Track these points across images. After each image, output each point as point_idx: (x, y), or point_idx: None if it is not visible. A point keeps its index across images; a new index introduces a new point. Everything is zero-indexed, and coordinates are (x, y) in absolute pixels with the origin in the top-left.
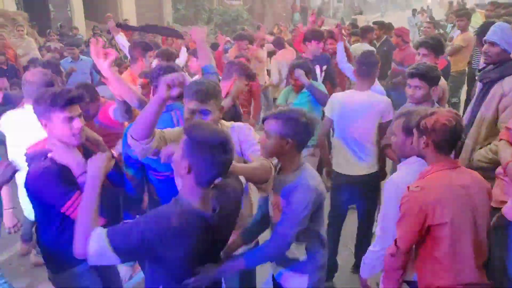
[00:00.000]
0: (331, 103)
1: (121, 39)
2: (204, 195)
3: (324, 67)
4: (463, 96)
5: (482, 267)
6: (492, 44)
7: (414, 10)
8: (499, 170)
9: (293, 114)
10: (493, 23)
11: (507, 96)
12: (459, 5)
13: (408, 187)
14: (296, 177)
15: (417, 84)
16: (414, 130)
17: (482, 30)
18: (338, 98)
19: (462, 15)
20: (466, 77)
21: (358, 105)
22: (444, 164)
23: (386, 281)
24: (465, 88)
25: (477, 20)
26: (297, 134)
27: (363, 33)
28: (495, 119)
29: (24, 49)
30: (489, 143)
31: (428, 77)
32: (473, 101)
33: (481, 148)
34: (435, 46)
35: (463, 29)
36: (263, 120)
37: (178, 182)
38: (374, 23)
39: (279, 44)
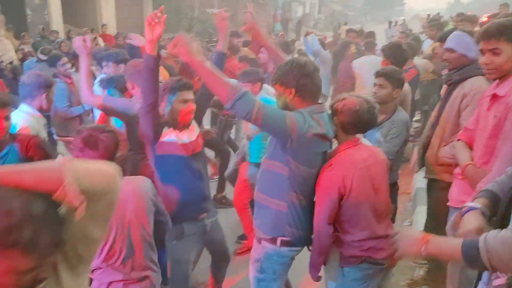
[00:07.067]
0: None
1: None
2: None
3: None
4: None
5: (386, 222)
6: (451, 50)
7: (389, 23)
8: (457, 170)
9: None
10: (452, 31)
11: (468, 96)
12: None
13: (323, 169)
14: None
15: (382, 83)
16: None
17: (442, 39)
18: None
19: (433, 25)
20: (436, 85)
21: None
22: (348, 143)
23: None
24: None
25: None
26: None
27: (368, 46)
28: (457, 118)
29: (1, 51)
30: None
31: (392, 78)
32: (439, 102)
33: (445, 145)
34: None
35: (434, 39)
36: None
37: None
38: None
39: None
